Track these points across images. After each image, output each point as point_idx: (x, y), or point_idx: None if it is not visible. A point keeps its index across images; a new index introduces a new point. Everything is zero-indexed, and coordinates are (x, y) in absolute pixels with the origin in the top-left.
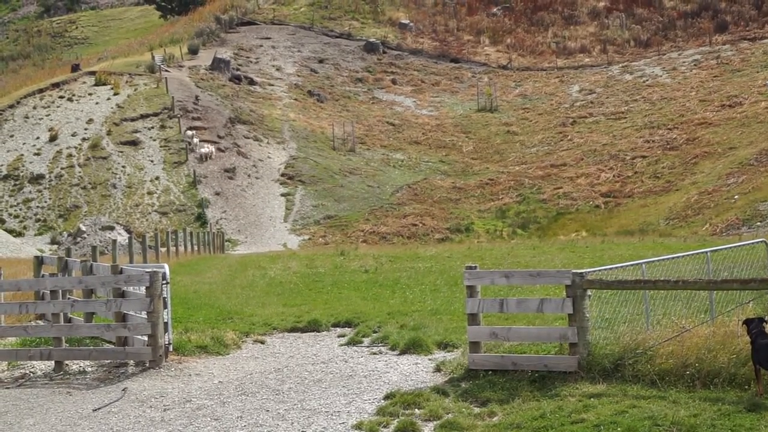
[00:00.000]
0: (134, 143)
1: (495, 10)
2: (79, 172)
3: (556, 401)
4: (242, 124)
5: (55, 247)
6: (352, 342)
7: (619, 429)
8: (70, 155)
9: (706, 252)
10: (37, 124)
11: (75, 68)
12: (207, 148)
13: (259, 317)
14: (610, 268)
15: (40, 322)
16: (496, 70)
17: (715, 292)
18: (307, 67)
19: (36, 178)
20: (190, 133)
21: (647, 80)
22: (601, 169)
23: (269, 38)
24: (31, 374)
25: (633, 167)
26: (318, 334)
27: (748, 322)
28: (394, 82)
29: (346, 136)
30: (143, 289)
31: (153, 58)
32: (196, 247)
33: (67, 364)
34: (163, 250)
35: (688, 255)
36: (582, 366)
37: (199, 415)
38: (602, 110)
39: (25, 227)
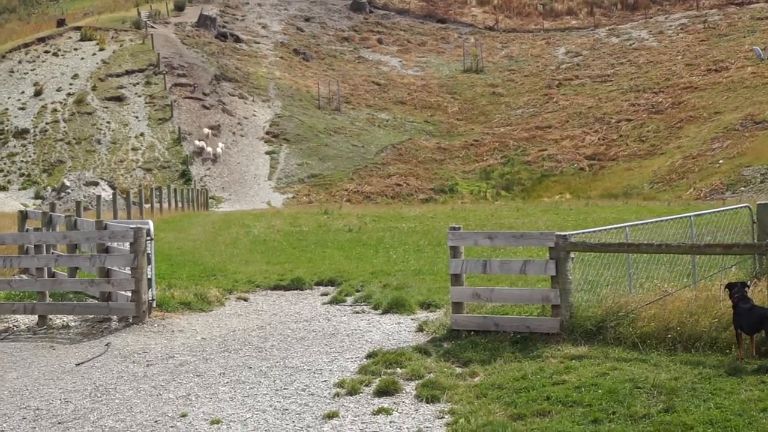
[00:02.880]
0: (119, 99)
1: None
2: (64, 128)
3: (538, 362)
4: (227, 81)
5: (39, 201)
6: (335, 301)
7: (599, 391)
8: (54, 110)
9: (690, 216)
10: (22, 79)
11: (60, 23)
12: (219, 149)
13: (242, 275)
14: (594, 231)
15: (24, 277)
16: (482, 31)
17: (698, 256)
18: (294, 25)
19: (21, 133)
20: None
21: (633, 44)
22: (586, 131)
23: None
24: (15, 328)
25: (618, 130)
26: (301, 292)
27: (730, 287)
28: (380, 41)
29: (332, 95)
30: (127, 245)
31: (139, 14)
32: (180, 204)
33: (50, 319)
34: (147, 206)
35: (671, 219)
36: (564, 328)
37: (182, 371)
38: (588, 73)
39: (9, 181)
